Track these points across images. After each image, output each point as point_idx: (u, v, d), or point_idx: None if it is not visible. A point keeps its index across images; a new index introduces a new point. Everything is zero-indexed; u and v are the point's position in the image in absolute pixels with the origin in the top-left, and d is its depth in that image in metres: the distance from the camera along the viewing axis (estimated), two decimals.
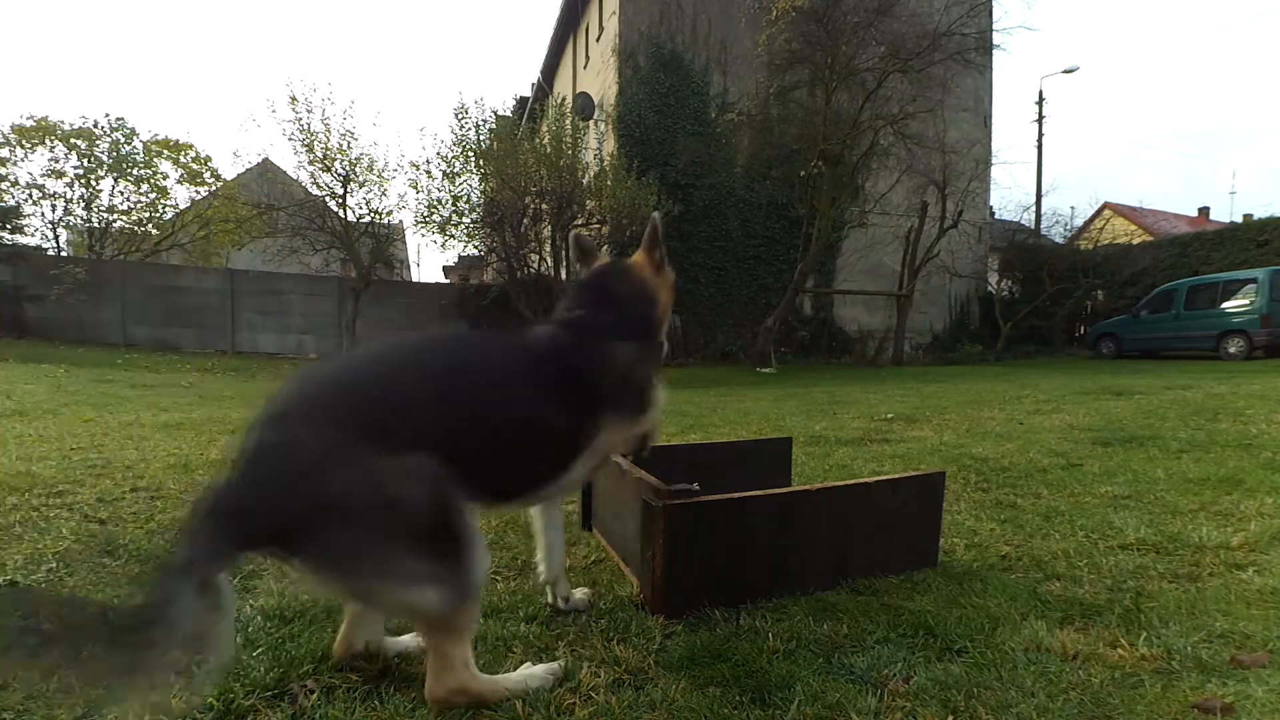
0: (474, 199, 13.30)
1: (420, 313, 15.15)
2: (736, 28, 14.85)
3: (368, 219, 14.08)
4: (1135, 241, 20.12)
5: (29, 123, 15.11)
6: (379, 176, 13.55)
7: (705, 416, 5.32)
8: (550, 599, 1.52)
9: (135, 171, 16.44)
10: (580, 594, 1.55)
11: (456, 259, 18.99)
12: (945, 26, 12.45)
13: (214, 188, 17.67)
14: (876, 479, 1.79)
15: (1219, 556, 1.81)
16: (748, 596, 1.53)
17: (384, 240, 14.80)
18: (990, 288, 19.25)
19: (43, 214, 15.59)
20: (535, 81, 22.59)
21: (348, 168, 13.20)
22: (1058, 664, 1.23)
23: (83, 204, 16.00)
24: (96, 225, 16.16)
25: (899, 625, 1.40)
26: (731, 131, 15.30)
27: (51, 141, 15.29)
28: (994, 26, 14.15)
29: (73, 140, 15.40)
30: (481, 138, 12.62)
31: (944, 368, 13.23)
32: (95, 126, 15.77)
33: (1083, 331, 18.41)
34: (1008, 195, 51.60)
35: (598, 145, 16.23)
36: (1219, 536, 1.96)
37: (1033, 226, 20.48)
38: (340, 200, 13.43)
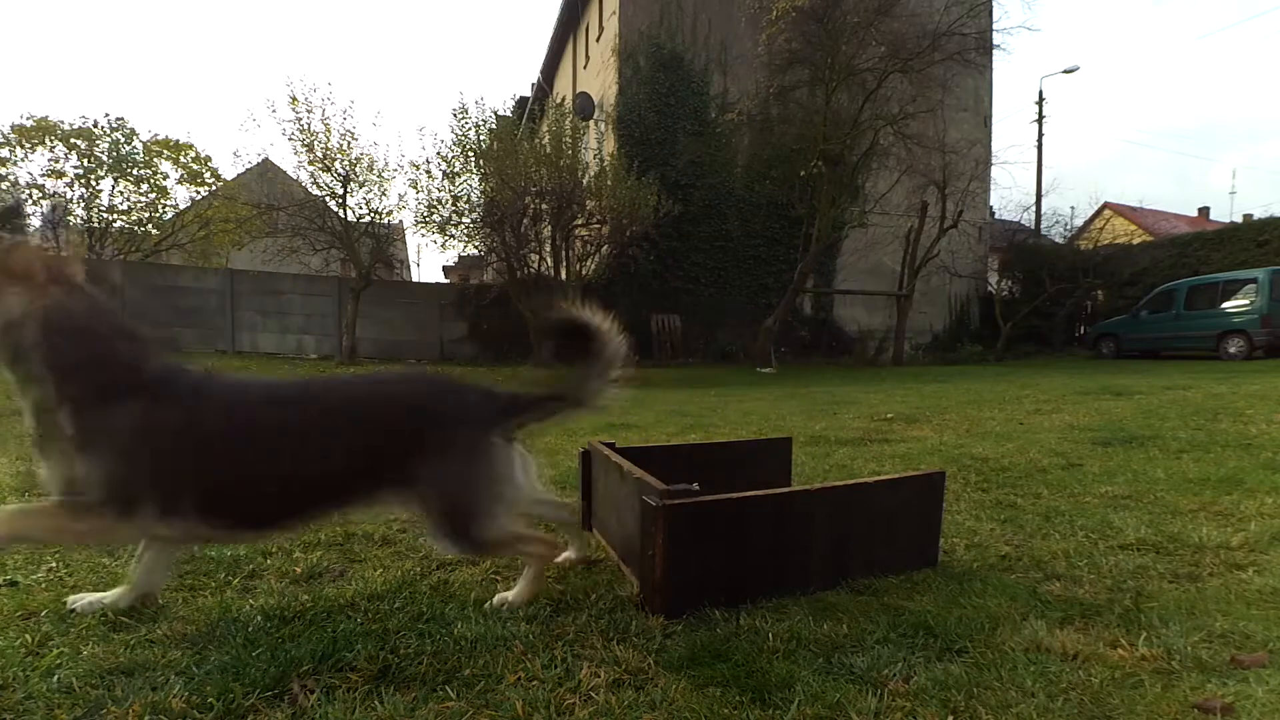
0: (474, 199, 13.27)
1: (420, 313, 15.15)
2: (736, 28, 14.85)
3: (368, 219, 14.03)
4: (1135, 241, 20.12)
5: (29, 123, 15.09)
6: (379, 176, 13.50)
7: (705, 416, 5.32)
8: None
9: (135, 171, 16.39)
10: None
11: (456, 259, 18.97)
12: (945, 26, 12.45)
13: (214, 188, 17.63)
14: (876, 479, 1.79)
15: (1219, 556, 1.80)
16: (748, 596, 1.53)
17: (384, 240, 14.76)
18: (990, 288, 19.24)
19: (43, 214, 15.60)
20: (535, 81, 22.60)
21: (348, 168, 13.16)
22: (1058, 664, 1.23)
23: (83, 204, 15.98)
24: (96, 225, 16.13)
25: (899, 625, 1.39)
26: (731, 131, 15.29)
27: (51, 141, 15.25)
28: (994, 27, 14.14)
29: (72, 140, 15.36)
30: (481, 138, 12.61)
31: (944, 368, 13.23)
32: (95, 126, 15.72)
33: (1083, 331, 18.40)
34: (1008, 195, 51.67)
35: (598, 145, 16.22)
36: (1219, 536, 1.96)
37: (1033, 226, 20.51)
38: (340, 200, 13.39)
